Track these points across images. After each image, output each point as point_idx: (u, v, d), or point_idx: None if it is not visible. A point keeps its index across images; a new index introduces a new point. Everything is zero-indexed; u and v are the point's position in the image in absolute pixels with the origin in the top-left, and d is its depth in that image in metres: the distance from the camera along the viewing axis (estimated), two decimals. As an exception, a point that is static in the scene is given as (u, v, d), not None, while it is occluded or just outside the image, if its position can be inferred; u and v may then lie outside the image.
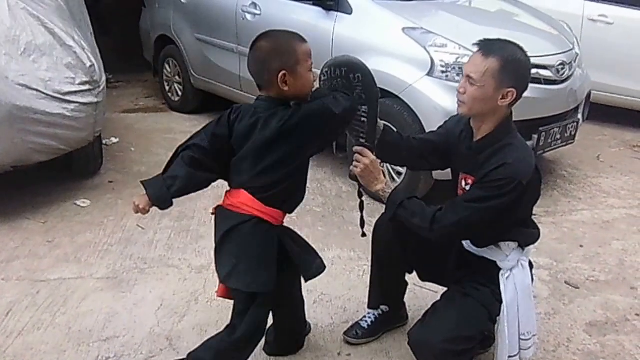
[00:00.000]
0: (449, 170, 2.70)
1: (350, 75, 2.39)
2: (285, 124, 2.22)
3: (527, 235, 2.54)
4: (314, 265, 2.51)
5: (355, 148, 2.51)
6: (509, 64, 2.27)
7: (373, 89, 2.42)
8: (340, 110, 2.27)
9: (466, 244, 2.61)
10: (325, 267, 2.56)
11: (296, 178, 2.37)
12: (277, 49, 2.23)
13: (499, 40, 2.36)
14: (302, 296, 2.79)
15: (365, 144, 2.49)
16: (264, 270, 2.33)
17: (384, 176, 2.55)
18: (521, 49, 2.34)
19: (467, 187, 2.45)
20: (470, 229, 2.38)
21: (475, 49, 2.34)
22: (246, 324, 2.38)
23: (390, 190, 2.49)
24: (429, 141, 2.68)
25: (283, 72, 2.20)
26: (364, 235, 2.70)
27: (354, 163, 2.50)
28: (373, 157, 2.48)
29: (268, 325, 2.57)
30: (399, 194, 2.47)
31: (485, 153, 2.36)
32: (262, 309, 2.42)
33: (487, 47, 2.31)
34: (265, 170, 2.28)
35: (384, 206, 2.53)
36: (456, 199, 2.43)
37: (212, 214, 2.47)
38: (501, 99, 2.30)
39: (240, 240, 2.33)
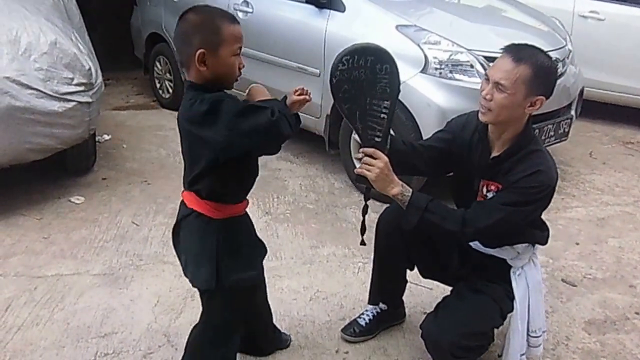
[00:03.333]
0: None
1: (377, 66, 2.21)
2: (190, 113, 2.01)
3: (539, 237, 2.55)
4: (236, 276, 2.21)
5: (366, 150, 2.33)
6: (541, 72, 2.23)
7: (398, 83, 2.27)
8: (269, 125, 1.94)
9: (474, 244, 2.60)
10: (247, 283, 2.26)
11: (223, 170, 2.09)
12: (200, 24, 2.03)
13: (526, 45, 2.30)
14: (268, 307, 2.72)
15: (379, 143, 2.32)
16: (203, 267, 2.19)
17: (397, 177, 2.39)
18: (548, 55, 2.30)
19: (489, 194, 2.41)
20: (500, 231, 2.37)
21: (502, 54, 2.29)
22: (204, 322, 2.35)
23: (409, 194, 2.36)
24: (436, 148, 2.59)
25: (201, 50, 1.99)
26: (363, 243, 2.54)
27: (366, 167, 2.33)
28: (386, 158, 2.32)
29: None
30: (421, 198, 2.37)
31: (511, 160, 2.34)
32: (216, 306, 2.28)
33: (517, 53, 2.24)
34: (189, 163, 2.15)
35: (383, 203, 2.51)
36: (487, 202, 2.39)
37: None
38: (529, 106, 2.27)
39: (183, 234, 2.26)
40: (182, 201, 2.24)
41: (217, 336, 2.33)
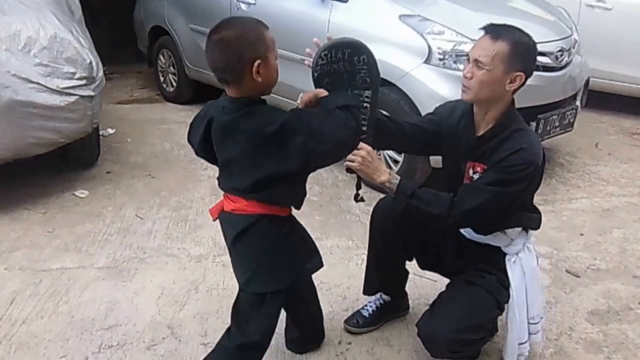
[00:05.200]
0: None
1: (355, 58, 2.24)
2: (280, 128, 2.02)
3: (531, 219, 2.55)
4: (310, 263, 2.42)
5: None
6: (519, 47, 2.27)
7: (376, 72, 2.30)
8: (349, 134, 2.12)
9: (467, 233, 2.61)
10: (322, 265, 2.46)
11: (292, 179, 2.16)
12: (247, 36, 2.02)
13: (505, 25, 2.34)
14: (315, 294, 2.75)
15: (366, 132, 2.34)
16: (283, 269, 2.27)
17: (385, 165, 2.45)
18: (527, 34, 2.34)
19: (475, 176, 2.43)
20: (488, 212, 2.36)
21: (482, 33, 2.33)
22: (257, 326, 2.31)
23: (396, 181, 2.39)
24: (422, 128, 2.61)
25: (258, 61, 2.01)
26: (361, 199, 2.56)
27: (350, 157, 2.36)
28: (369, 147, 2.36)
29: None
30: (408, 185, 2.40)
31: (495, 140, 2.36)
32: (274, 307, 2.33)
33: (494, 31, 2.29)
34: (256, 175, 2.11)
35: (381, 194, 2.52)
36: (473, 184, 2.41)
37: (214, 219, 2.31)
38: (509, 83, 2.30)
39: (254, 243, 2.24)
40: (231, 213, 2.22)
41: (258, 343, 2.34)
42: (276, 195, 2.17)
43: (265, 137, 2.03)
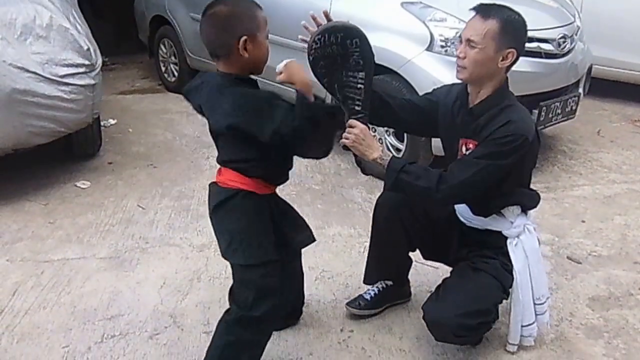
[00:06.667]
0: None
1: (347, 41, 2.31)
2: (235, 105, 2.11)
3: (528, 196, 2.59)
4: (299, 238, 2.49)
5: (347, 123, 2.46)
6: (508, 25, 2.32)
7: (370, 54, 2.36)
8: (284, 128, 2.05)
9: (467, 220, 2.64)
10: (314, 239, 2.52)
11: (273, 151, 2.20)
12: (238, 13, 2.13)
13: (494, 4, 2.39)
14: (302, 270, 2.78)
15: (360, 112, 2.43)
16: (257, 243, 2.27)
17: (378, 143, 2.50)
18: (516, 12, 2.38)
19: (469, 153, 2.46)
20: (477, 187, 2.39)
21: (472, 14, 2.38)
22: (254, 299, 2.28)
23: (388, 158, 2.45)
24: (419, 106, 2.65)
25: (245, 37, 2.10)
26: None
27: (345, 134, 2.45)
28: (362, 125, 2.42)
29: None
30: (398, 161, 2.46)
31: (485, 116, 2.40)
32: (263, 280, 2.29)
33: (484, 10, 2.35)
34: (238, 147, 2.21)
35: (384, 183, 2.54)
36: (463, 158, 2.45)
37: None
38: (501, 60, 2.35)
39: (229, 215, 2.29)
40: (217, 185, 2.32)
41: (257, 318, 2.32)
42: (258, 168, 2.24)
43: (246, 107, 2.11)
